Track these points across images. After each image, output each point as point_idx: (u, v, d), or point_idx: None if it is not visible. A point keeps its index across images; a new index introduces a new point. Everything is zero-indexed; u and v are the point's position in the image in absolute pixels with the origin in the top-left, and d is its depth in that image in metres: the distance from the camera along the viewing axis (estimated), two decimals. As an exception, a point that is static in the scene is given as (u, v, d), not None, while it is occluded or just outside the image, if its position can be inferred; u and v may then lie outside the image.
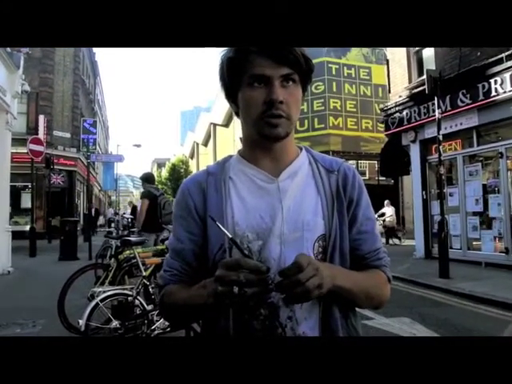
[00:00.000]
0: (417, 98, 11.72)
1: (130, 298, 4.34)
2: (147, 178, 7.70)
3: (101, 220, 31.68)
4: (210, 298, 0.96)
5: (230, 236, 0.99)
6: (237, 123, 31.64)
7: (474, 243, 10.59)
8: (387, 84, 14.31)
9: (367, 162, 25.73)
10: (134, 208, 28.09)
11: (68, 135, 23.43)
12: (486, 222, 10.27)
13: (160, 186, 24.32)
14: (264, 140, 1.10)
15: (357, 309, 1.18)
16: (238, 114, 1.15)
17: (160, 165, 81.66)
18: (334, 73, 24.80)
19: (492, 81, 9.31)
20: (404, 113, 12.43)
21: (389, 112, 13.30)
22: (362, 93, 25.49)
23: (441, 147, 9.13)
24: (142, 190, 7.72)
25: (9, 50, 9.81)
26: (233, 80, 1.09)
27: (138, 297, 4.41)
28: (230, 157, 1.23)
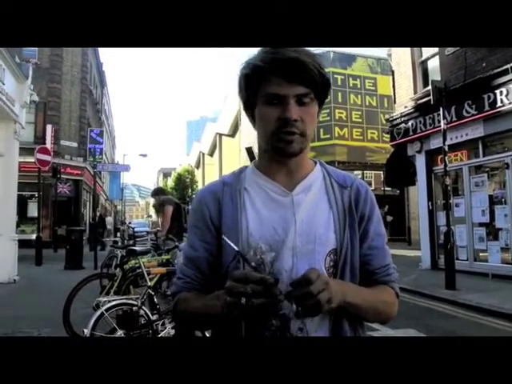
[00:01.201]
0: (422, 109, 11.71)
1: (134, 308, 4.33)
2: (161, 190, 8.60)
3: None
4: (222, 308, 0.98)
5: (237, 249, 1.02)
6: (243, 133, 31.73)
7: (481, 254, 10.48)
8: (392, 94, 14.32)
9: (373, 172, 25.70)
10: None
11: (75, 145, 23.58)
12: (493, 232, 10.17)
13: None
14: (278, 155, 1.12)
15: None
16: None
17: (166, 174, 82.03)
18: (339, 83, 24.87)
19: (497, 92, 9.30)
20: (409, 123, 12.42)
21: (394, 122, 13.30)
22: (367, 103, 25.53)
23: (446, 158, 9.11)
24: (151, 200, 8.53)
25: (18, 60, 9.95)
26: (250, 96, 1.11)
27: (143, 307, 4.40)
28: (246, 167, 1.24)
